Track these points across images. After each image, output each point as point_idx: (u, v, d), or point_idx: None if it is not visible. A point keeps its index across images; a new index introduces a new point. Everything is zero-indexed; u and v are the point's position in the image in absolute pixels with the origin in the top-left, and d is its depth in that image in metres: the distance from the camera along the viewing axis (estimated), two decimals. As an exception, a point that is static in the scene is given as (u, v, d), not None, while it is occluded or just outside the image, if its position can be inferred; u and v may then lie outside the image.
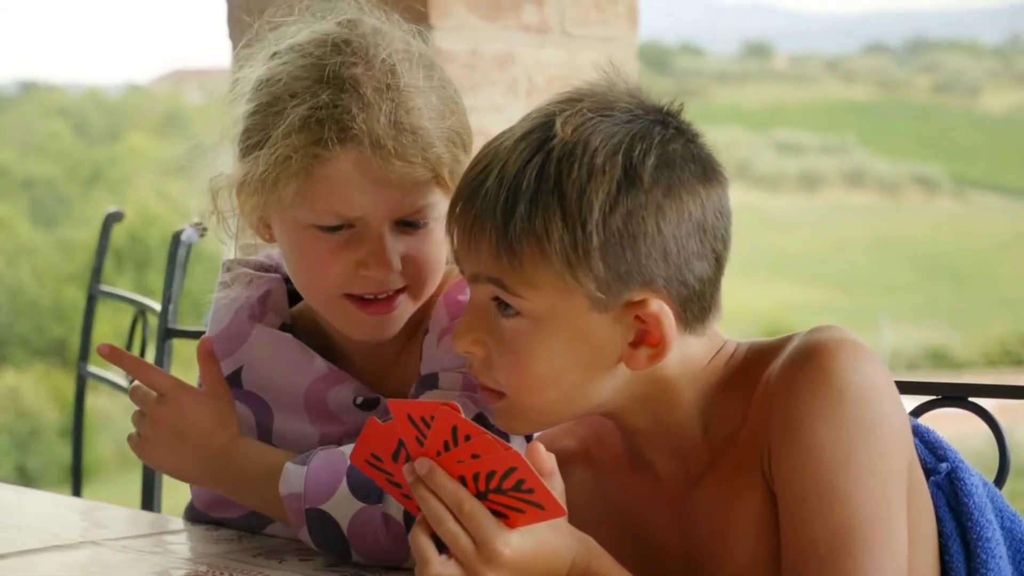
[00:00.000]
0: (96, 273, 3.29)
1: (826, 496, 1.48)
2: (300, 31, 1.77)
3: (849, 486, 1.48)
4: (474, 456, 1.43)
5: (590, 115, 1.53)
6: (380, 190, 1.70)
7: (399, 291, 1.75)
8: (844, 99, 41.28)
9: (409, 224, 1.73)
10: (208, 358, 1.83)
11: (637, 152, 1.51)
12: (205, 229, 2.82)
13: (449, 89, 1.76)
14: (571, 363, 1.54)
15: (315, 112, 1.68)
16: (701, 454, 1.59)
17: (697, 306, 1.54)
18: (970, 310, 30.28)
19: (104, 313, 3.40)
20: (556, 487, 1.48)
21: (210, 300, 1.93)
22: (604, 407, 1.60)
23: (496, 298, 1.55)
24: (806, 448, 1.49)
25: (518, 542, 1.45)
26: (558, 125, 1.52)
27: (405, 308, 1.77)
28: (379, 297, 1.75)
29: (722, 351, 1.60)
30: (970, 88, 41.44)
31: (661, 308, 1.51)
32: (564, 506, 1.45)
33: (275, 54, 1.77)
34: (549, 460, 1.48)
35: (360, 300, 1.75)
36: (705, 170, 1.55)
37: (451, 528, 1.45)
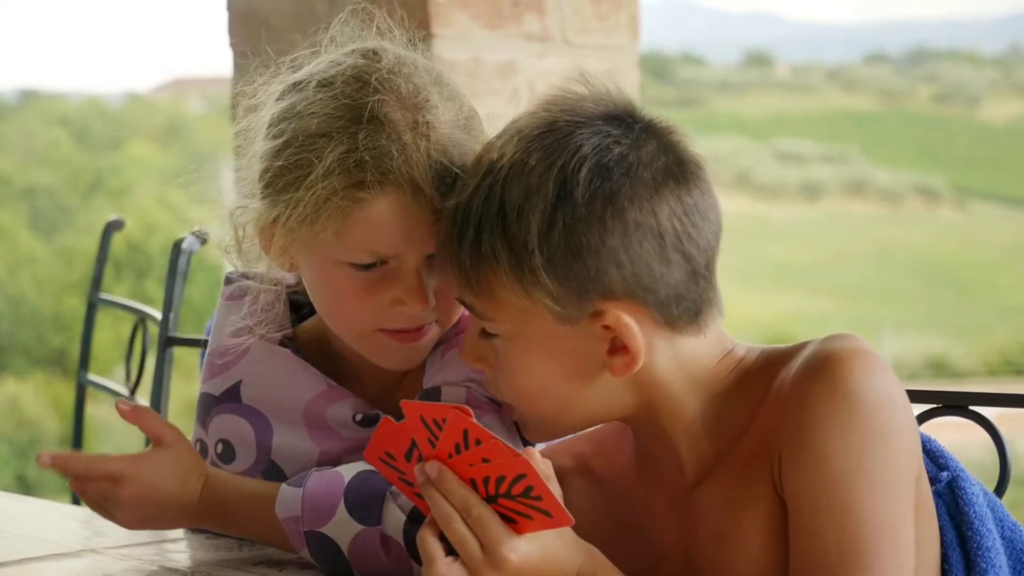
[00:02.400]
0: (96, 281, 3.29)
1: (837, 507, 1.48)
2: (319, 61, 1.75)
3: (860, 497, 1.48)
4: (484, 460, 1.44)
5: (532, 135, 1.54)
6: (416, 230, 1.68)
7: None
8: (845, 108, 41.32)
9: None
10: (135, 415, 1.75)
11: (571, 167, 1.51)
12: (205, 240, 2.84)
13: (476, 119, 1.75)
14: (556, 376, 1.56)
15: (353, 154, 1.66)
16: (706, 457, 1.59)
17: (679, 307, 1.54)
18: (971, 319, 30.29)
19: (104, 321, 3.40)
20: (556, 494, 1.48)
21: (212, 312, 1.92)
22: (610, 414, 1.60)
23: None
24: (818, 457, 1.49)
25: (525, 548, 1.45)
26: (498, 149, 1.55)
27: (434, 335, 1.77)
28: (410, 328, 1.75)
29: (730, 355, 1.60)
30: (971, 98, 41.50)
31: (619, 318, 1.52)
32: (571, 516, 1.45)
33: (296, 85, 1.74)
34: (544, 466, 1.48)
35: (392, 331, 1.75)
36: (656, 174, 1.53)
37: (459, 530, 1.45)
